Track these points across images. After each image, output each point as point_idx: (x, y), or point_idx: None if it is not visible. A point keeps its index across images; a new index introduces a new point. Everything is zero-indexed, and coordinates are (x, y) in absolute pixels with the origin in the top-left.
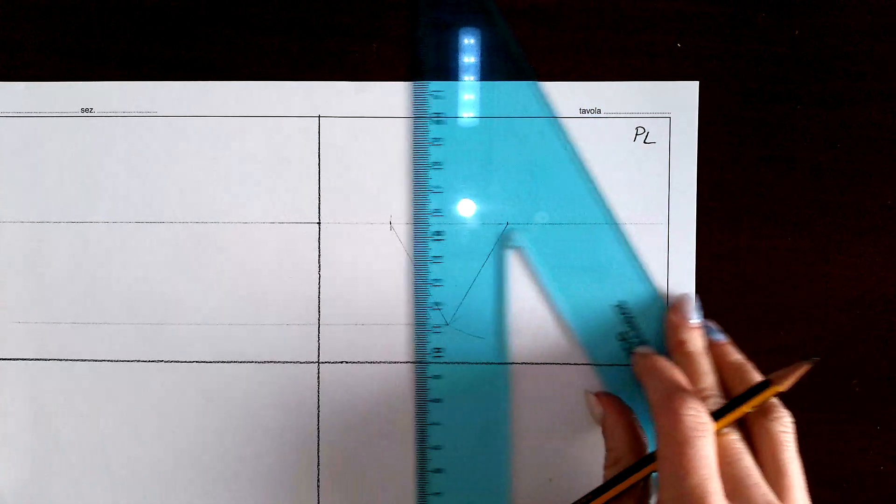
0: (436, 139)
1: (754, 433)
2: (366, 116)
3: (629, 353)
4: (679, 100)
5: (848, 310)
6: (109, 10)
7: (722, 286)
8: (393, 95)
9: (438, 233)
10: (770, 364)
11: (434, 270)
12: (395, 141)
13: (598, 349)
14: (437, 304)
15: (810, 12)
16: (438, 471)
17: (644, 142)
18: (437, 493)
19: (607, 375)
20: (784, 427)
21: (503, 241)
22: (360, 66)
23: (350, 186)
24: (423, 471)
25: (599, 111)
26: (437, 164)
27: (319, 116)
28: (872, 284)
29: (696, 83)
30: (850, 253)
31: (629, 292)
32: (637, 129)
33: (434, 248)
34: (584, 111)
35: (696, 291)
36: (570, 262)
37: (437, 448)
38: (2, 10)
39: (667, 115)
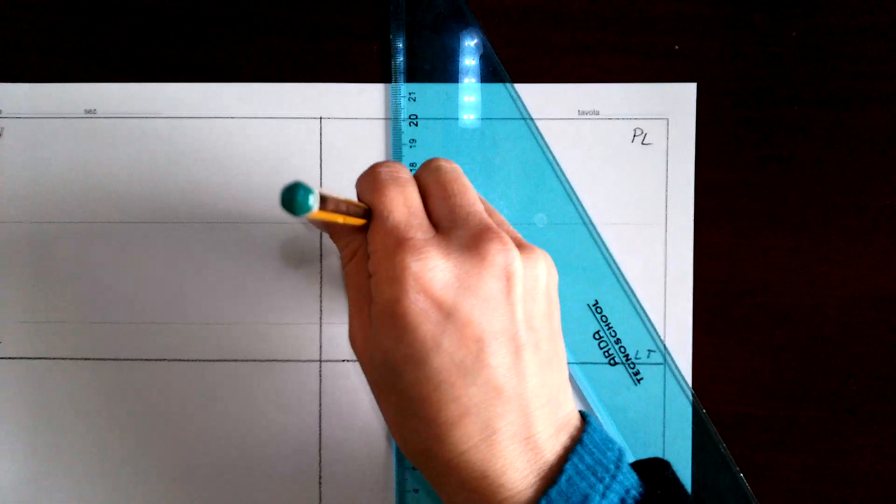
0: (411, 140)
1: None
2: (367, 118)
3: (605, 353)
4: (677, 101)
5: (847, 310)
6: (112, 12)
7: (721, 286)
8: None
9: None
10: (769, 364)
11: None
12: None
13: (574, 348)
14: None
15: (809, 12)
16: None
17: (642, 143)
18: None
19: (583, 374)
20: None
21: None
22: (362, 67)
23: (351, 187)
24: (403, 468)
25: (598, 113)
26: (411, 166)
27: (321, 118)
28: (872, 284)
29: (694, 85)
30: (850, 253)
31: (604, 292)
32: (635, 130)
33: None
34: (582, 112)
35: (695, 292)
36: None
37: None
38: (5, 12)
39: (664, 117)
